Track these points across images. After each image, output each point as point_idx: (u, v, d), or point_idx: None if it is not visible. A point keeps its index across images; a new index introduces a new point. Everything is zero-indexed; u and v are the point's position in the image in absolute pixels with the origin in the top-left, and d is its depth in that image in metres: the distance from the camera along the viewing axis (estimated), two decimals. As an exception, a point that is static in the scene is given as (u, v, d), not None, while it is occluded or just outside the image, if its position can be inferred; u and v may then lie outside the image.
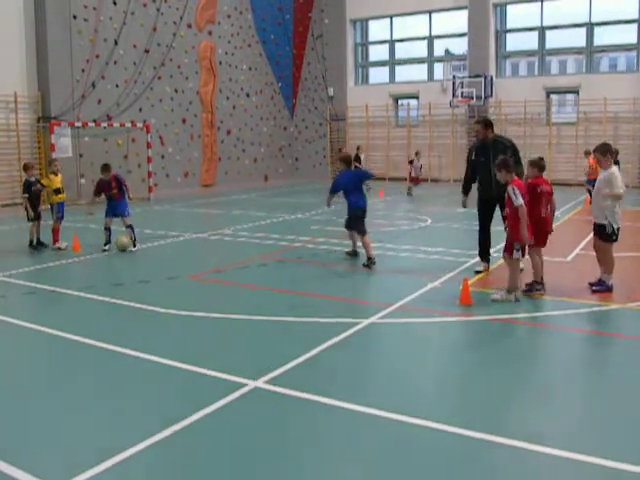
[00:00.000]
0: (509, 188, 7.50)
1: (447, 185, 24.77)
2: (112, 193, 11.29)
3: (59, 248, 11.27)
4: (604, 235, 7.81)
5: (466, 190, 9.45)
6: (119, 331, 6.71)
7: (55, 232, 11.42)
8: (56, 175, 11.62)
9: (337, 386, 5.15)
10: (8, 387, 5.29)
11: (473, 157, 9.20)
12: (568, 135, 24.27)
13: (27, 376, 5.54)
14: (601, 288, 7.86)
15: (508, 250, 7.56)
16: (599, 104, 23.21)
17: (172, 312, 7.26)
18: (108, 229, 11.28)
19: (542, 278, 7.90)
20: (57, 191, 11.58)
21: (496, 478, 3.83)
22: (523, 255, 7.60)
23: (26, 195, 11.30)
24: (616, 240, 7.85)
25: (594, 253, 8.16)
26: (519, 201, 7.38)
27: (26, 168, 11.61)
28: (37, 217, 11.36)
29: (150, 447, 4.10)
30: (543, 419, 4.56)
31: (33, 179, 11.49)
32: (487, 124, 9.05)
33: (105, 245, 11.22)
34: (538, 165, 8.03)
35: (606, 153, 7.84)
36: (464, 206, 9.54)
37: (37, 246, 11.37)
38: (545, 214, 7.87)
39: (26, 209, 11.32)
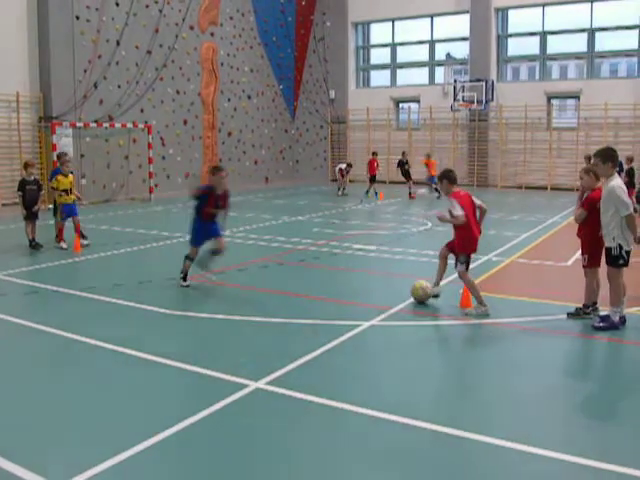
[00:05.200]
0: (450, 200, 7.29)
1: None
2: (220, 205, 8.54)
3: (61, 247, 11.27)
4: (609, 258, 6.64)
5: None
6: (120, 331, 6.71)
7: (60, 231, 11.44)
8: (66, 177, 11.51)
9: (338, 388, 5.17)
10: (9, 385, 5.30)
11: None
12: (568, 140, 24.32)
13: (28, 375, 5.55)
14: (604, 325, 6.66)
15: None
16: (600, 109, 23.26)
17: (173, 313, 7.28)
18: (192, 259, 8.56)
19: (594, 303, 7.07)
20: (65, 192, 11.53)
21: (497, 481, 3.85)
22: (467, 268, 7.34)
23: (20, 193, 11.34)
24: (625, 265, 6.63)
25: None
26: (458, 211, 7.14)
27: (26, 166, 11.56)
28: (32, 216, 11.36)
29: (151, 447, 4.11)
30: (543, 422, 4.58)
31: (31, 178, 11.48)
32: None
33: (185, 280, 8.59)
34: (594, 172, 6.97)
35: (607, 160, 6.60)
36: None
37: (36, 245, 11.37)
38: (600, 232, 6.78)
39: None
